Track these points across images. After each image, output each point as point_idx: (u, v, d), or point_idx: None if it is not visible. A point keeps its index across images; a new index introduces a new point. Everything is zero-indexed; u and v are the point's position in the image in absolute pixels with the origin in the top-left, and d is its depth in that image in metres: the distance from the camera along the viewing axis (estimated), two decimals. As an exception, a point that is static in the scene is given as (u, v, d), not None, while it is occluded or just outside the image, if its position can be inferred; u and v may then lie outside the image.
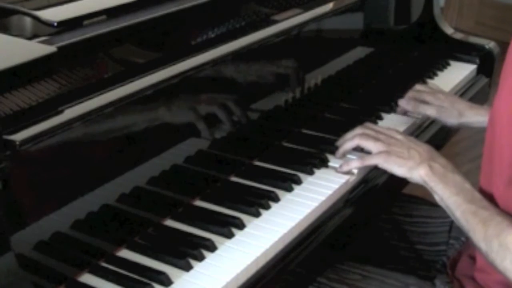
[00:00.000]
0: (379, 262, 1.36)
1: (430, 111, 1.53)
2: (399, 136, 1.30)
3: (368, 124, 1.39)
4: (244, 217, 1.17)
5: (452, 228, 1.44)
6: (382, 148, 1.28)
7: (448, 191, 1.17)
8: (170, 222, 1.16)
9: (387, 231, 1.50)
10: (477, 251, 1.14)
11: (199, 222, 1.15)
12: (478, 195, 1.15)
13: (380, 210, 1.49)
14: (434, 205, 1.23)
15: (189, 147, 1.22)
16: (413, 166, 1.22)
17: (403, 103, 1.55)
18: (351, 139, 1.34)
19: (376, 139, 1.29)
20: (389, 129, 1.34)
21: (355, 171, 1.32)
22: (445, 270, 1.36)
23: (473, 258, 1.27)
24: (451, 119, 1.52)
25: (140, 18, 1.15)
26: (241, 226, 1.15)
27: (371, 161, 1.29)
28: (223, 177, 1.29)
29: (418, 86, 1.59)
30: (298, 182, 1.29)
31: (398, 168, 1.24)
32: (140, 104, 1.10)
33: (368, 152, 1.32)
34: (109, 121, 1.05)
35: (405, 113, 1.57)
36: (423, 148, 1.26)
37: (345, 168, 1.32)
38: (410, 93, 1.56)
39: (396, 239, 1.49)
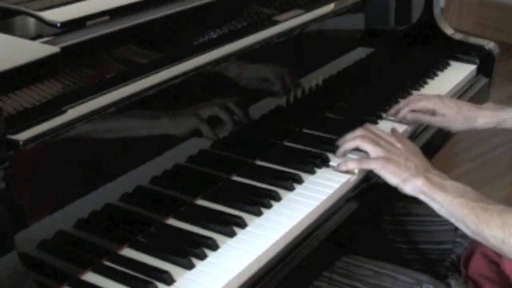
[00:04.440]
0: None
1: (435, 121, 1.53)
2: (399, 145, 1.31)
3: (370, 127, 1.39)
4: (246, 216, 1.17)
5: None
6: (381, 153, 1.28)
7: (449, 195, 1.17)
8: (172, 221, 1.17)
9: (390, 233, 1.50)
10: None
11: (201, 221, 1.16)
12: (482, 196, 1.16)
13: (381, 209, 1.50)
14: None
15: (192, 146, 1.23)
16: (407, 178, 1.23)
17: (408, 115, 1.54)
18: (351, 140, 1.34)
19: (376, 144, 1.30)
20: (389, 135, 1.34)
21: (356, 170, 1.33)
22: (455, 269, 1.37)
23: (487, 256, 1.28)
24: (458, 127, 1.53)
25: (143, 18, 1.15)
26: (243, 225, 1.16)
27: (369, 165, 1.29)
28: (225, 176, 1.30)
29: (414, 97, 1.58)
30: (300, 181, 1.29)
31: (392, 177, 1.25)
32: (143, 104, 1.10)
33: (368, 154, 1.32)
34: (111, 121, 1.06)
35: (400, 121, 1.56)
36: (419, 161, 1.26)
37: (343, 168, 1.33)
38: (411, 105, 1.55)
39: (400, 240, 1.50)
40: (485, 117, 1.51)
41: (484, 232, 1.12)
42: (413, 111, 1.55)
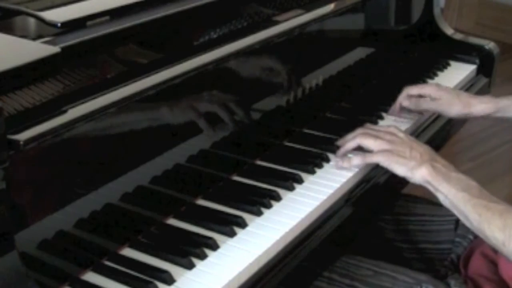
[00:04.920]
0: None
1: (432, 105, 1.53)
2: (401, 135, 1.30)
3: (369, 125, 1.39)
4: (246, 216, 1.18)
5: (459, 226, 1.44)
6: (383, 146, 1.27)
7: (454, 188, 1.17)
8: (173, 221, 1.17)
9: (389, 232, 1.51)
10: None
11: (202, 221, 1.16)
12: (485, 191, 1.16)
13: (381, 209, 1.50)
14: (435, 204, 1.23)
15: (192, 146, 1.23)
16: (414, 166, 1.22)
17: (404, 102, 1.54)
18: (352, 139, 1.34)
19: (378, 138, 1.29)
20: (390, 128, 1.34)
21: (359, 166, 1.32)
22: (454, 268, 1.37)
23: (487, 256, 1.28)
24: (454, 110, 1.52)
25: (143, 18, 1.15)
26: (243, 225, 1.16)
27: (373, 158, 1.28)
28: (225, 176, 1.30)
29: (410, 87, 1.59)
30: (300, 181, 1.30)
31: (399, 167, 1.24)
32: (143, 104, 1.10)
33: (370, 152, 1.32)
34: (112, 121, 1.06)
35: (399, 113, 1.56)
36: (424, 149, 1.26)
37: (346, 164, 1.32)
38: (407, 90, 1.56)
39: (400, 239, 1.50)
40: (483, 103, 1.51)
41: (485, 231, 1.11)
42: (410, 96, 1.54)
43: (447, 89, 1.53)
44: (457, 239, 1.44)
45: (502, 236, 1.09)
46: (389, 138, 1.28)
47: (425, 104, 1.54)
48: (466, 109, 1.51)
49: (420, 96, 1.55)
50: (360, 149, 1.34)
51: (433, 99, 1.53)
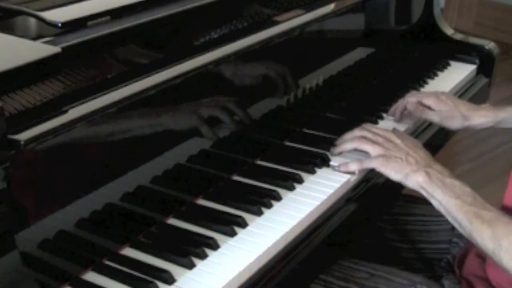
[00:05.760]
0: (381, 263, 1.37)
1: (434, 118, 1.54)
2: (397, 141, 1.31)
3: (367, 126, 1.39)
4: (246, 215, 1.18)
5: None
6: (380, 152, 1.29)
7: (447, 195, 1.18)
8: (173, 221, 1.17)
9: (388, 232, 1.51)
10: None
11: (202, 220, 1.16)
12: (479, 197, 1.16)
13: (381, 209, 1.50)
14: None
15: (192, 146, 1.23)
16: (409, 173, 1.23)
17: (410, 106, 1.54)
18: (350, 141, 1.35)
19: (375, 143, 1.30)
20: (387, 133, 1.34)
21: (357, 170, 1.33)
22: (451, 269, 1.37)
23: (480, 257, 1.28)
24: (454, 124, 1.52)
25: (144, 19, 1.16)
26: (243, 224, 1.16)
27: (369, 164, 1.30)
28: (225, 176, 1.30)
29: (411, 93, 1.59)
30: (300, 181, 1.30)
31: (394, 173, 1.25)
32: (144, 104, 1.11)
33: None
34: (112, 121, 1.06)
35: (399, 119, 1.57)
36: (420, 155, 1.26)
37: (343, 169, 1.33)
38: (411, 98, 1.56)
39: (398, 239, 1.50)
40: (482, 116, 1.51)
41: (476, 239, 1.12)
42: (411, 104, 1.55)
43: (447, 102, 1.53)
44: (455, 239, 1.44)
45: (492, 245, 1.09)
46: (386, 144, 1.30)
47: (425, 114, 1.54)
48: (466, 123, 1.52)
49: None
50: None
51: (433, 110, 1.53)
